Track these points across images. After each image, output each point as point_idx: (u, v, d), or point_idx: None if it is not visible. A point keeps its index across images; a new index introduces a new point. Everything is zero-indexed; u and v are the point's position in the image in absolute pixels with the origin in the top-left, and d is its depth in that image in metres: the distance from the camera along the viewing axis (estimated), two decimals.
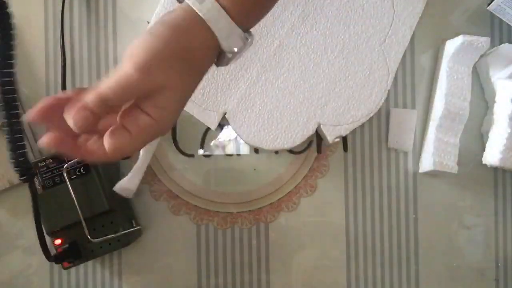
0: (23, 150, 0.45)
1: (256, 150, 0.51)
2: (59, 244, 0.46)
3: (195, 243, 0.51)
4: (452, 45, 0.49)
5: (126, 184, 0.47)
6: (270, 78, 0.49)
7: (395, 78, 0.50)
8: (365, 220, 0.51)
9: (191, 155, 0.51)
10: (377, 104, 0.49)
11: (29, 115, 0.31)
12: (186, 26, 0.31)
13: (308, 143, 0.51)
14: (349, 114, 0.49)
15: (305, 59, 0.49)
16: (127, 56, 0.30)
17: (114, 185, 0.48)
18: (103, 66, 0.51)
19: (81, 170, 0.45)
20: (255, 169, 0.51)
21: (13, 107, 0.44)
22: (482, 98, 0.51)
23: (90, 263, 0.50)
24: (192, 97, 0.34)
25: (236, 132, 0.49)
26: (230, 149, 0.51)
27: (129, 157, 0.49)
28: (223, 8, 0.31)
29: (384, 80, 0.49)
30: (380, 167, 0.51)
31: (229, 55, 0.33)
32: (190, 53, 0.31)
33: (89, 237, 0.44)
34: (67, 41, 0.50)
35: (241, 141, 0.50)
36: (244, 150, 0.51)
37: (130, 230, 0.47)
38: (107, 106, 0.30)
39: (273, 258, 0.51)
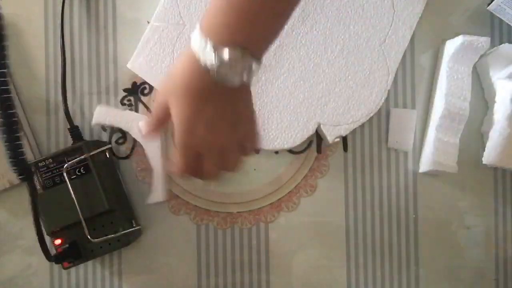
0: (20, 150, 0.45)
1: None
2: (59, 244, 0.46)
3: (195, 243, 0.51)
4: (452, 45, 0.49)
5: (155, 199, 0.49)
6: (270, 78, 0.49)
7: (395, 78, 0.50)
8: (365, 220, 0.51)
9: None
10: (377, 104, 0.49)
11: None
12: (184, 53, 0.36)
13: (308, 143, 0.51)
14: (349, 114, 0.49)
15: (305, 59, 0.49)
16: None
17: (114, 185, 0.48)
18: (103, 66, 0.51)
19: (81, 170, 0.45)
20: (255, 169, 0.51)
21: (8, 107, 0.44)
22: (482, 98, 0.51)
23: (90, 263, 0.50)
24: None
25: None
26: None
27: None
28: (201, 30, 0.34)
29: (384, 80, 0.49)
30: (380, 167, 0.51)
31: (212, 71, 0.34)
32: (175, 77, 0.37)
33: (89, 237, 0.44)
34: (67, 41, 0.50)
35: None
36: None
37: (130, 230, 0.47)
38: None
39: (273, 258, 0.51)
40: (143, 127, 0.42)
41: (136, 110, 0.51)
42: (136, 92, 0.51)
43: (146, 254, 0.50)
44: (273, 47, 0.49)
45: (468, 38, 0.48)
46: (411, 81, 0.51)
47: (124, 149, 0.51)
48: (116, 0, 0.51)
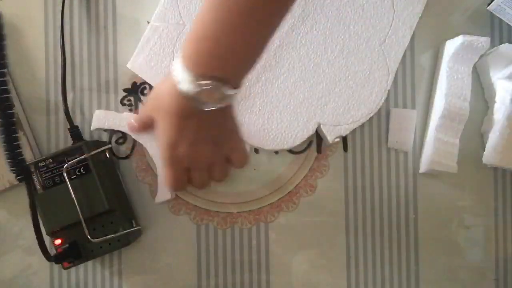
0: (18, 150, 0.45)
1: (256, 150, 0.51)
2: (59, 244, 0.46)
3: (195, 243, 0.51)
4: (452, 45, 0.49)
5: (161, 198, 0.49)
6: (270, 78, 0.49)
7: (395, 78, 0.50)
8: (365, 220, 0.51)
9: None
10: (377, 104, 0.49)
11: None
12: (168, 74, 0.39)
13: (308, 143, 0.51)
14: (349, 114, 0.49)
15: (305, 59, 0.49)
16: None
17: (114, 185, 0.48)
18: (103, 66, 0.51)
19: (81, 170, 0.45)
20: (255, 169, 0.51)
21: (7, 107, 0.44)
22: (482, 98, 0.51)
23: (90, 263, 0.50)
24: None
25: None
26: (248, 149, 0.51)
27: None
28: (181, 61, 0.37)
29: (384, 80, 0.49)
30: (380, 167, 0.51)
31: (191, 98, 0.37)
32: (160, 97, 0.41)
33: (89, 237, 0.44)
34: (67, 41, 0.50)
35: None
36: None
37: (130, 230, 0.47)
38: None
39: (273, 258, 0.51)
40: (129, 124, 0.45)
41: (136, 110, 0.51)
42: (136, 92, 0.51)
43: (146, 254, 0.50)
44: (273, 47, 0.49)
45: (468, 38, 0.48)
46: (411, 81, 0.51)
47: (124, 149, 0.51)
48: (116, 0, 0.51)
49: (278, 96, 0.49)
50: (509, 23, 0.50)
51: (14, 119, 0.45)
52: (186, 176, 0.44)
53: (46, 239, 0.46)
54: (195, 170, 0.44)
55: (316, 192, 0.51)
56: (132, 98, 0.51)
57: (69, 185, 0.44)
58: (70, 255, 0.45)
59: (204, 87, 0.36)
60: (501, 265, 0.51)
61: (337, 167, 0.51)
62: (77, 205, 0.44)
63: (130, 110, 0.51)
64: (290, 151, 0.51)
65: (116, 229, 0.46)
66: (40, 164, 0.46)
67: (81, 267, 0.50)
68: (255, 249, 0.51)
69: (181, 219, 0.51)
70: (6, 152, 0.44)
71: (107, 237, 0.45)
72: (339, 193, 0.51)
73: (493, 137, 0.48)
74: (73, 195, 0.44)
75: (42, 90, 0.51)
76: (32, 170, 0.45)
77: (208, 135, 0.42)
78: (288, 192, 0.51)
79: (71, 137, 0.48)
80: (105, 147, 0.47)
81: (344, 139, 0.51)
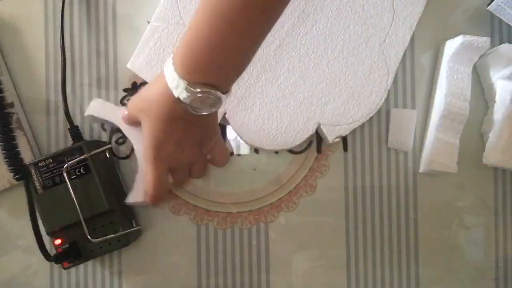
0: (16, 149, 0.45)
1: (256, 150, 0.51)
2: (59, 244, 0.45)
3: (195, 243, 0.51)
4: (452, 45, 0.49)
5: (134, 198, 0.46)
6: (270, 78, 0.49)
7: (395, 78, 0.50)
8: (365, 220, 0.51)
9: None
10: (377, 104, 0.49)
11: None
12: (159, 76, 0.40)
13: (308, 143, 0.51)
14: (349, 114, 0.49)
15: (305, 59, 0.49)
16: None
17: (114, 185, 0.48)
18: (103, 66, 0.51)
19: (81, 170, 0.45)
20: (255, 169, 0.51)
21: (2, 106, 0.44)
22: (482, 98, 0.51)
23: (90, 263, 0.50)
24: None
25: (236, 132, 0.49)
26: (230, 149, 0.51)
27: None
28: (174, 67, 0.37)
29: (384, 80, 0.49)
30: (380, 167, 0.51)
31: (184, 104, 0.38)
32: (149, 99, 0.41)
33: (89, 237, 0.44)
34: (67, 41, 0.50)
35: (241, 141, 0.50)
36: (244, 150, 0.51)
37: (130, 230, 0.47)
38: None
39: (273, 258, 0.51)
40: (123, 116, 0.46)
41: None
42: (136, 92, 0.51)
43: (146, 254, 0.50)
44: (273, 47, 0.49)
45: (468, 38, 0.48)
46: (411, 81, 0.51)
47: (124, 149, 0.51)
48: (116, 0, 0.51)
49: (278, 96, 0.49)
50: (509, 23, 0.50)
51: (11, 118, 0.45)
52: (168, 177, 0.45)
53: (46, 239, 0.46)
54: (177, 169, 0.45)
55: (316, 192, 0.51)
56: None
57: (69, 185, 0.44)
58: (70, 255, 0.45)
59: (199, 94, 0.37)
60: (501, 265, 0.51)
61: (337, 167, 0.51)
62: (77, 205, 0.44)
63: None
64: (290, 151, 0.51)
65: (116, 229, 0.46)
66: (40, 164, 0.46)
67: (81, 267, 0.50)
68: (255, 249, 0.51)
69: (181, 219, 0.51)
70: (4, 152, 0.44)
71: (107, 237, 0.45)
72: (339, 193, 0.51)
73: (493, 137, 0.48)
74: (73, 195, 0.44)
75: (42, 90, 0.51)
76: (32, 170, 0.45)
77: (193, 137, 0.43)
78: (288, 192, 0.51)
79: (71, 137, 0.48)
80: (105, 147, 0.47)
81: (344, 139, 0.51)
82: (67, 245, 0.45)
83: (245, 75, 0.48)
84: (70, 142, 0.48)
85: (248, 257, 0.51)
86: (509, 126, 0.47)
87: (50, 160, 0.46)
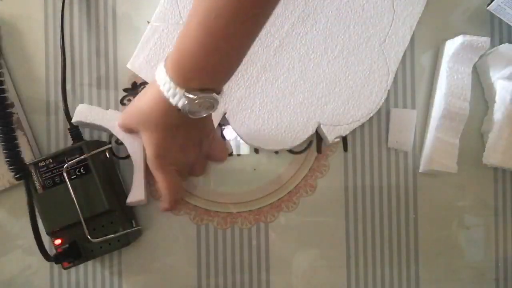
0: (17, 149, 0.45)
1: (256, 150, 0.51)
2: (59, 244, 0.45)
3: (195, 243, 0.51)
4: (452, 45, 0.49)
5: (134, 198, 0.47)
6: (270, 78, 0.49)
7: (395, 78, 0.50)
8: (365, 220, 0.51)
9: None
10: (377, 104, 0.49)
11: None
12: (151, 86, 0.41)
13: (308, 143, 0.51)
14: (349, 114, 0.49)
15: (305, 59, 0.49)
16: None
17: (114, 185, 0.48)
18: (103, 66, 0.51)
19: (81, 170, 0.45)
20: (255, 169, 0.51)
21: (4, 106, 0.44)
22: (482, 98, 0.51)
23: (90, 263, 0.50)
24: None
25: (236, 132, 0.49)
26: (230, 149, 0.51)
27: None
28: (169, 76, 0.37)
29: (384, 80, 0.49)
30: (380, 167, 0.51)
31: (183, 110, 0.38)
32: (145, 110, 0.41)
33: (89, 237, 0.44)
34: (67, 41, 0.50)
35: (241, 141, 0.50)
36: (244, 150, 0.51)
37: (130, 230, 0.47)
38: None
39: (273, 258, 0.51)
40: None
41: None
42: (136, 92, 0.51)
43: (146, 254, 0.50)
44: (273, 47, 0.49)
45: (468, 38, 0.48)
46: (411, 81, 0.51)
47: (124, 149, 0.51)
48: (116, 0, 0.51)
49: (278, 96, 0.49)
50: (509, 23, 0.50)
51: (12, 118, 0.45)
52: (178, 178, 0.46)
53: (46, 239, 0.46)
54: (179, 170, 0.46)
55: (316, 192, 0.51)
56: (132, 98, 0.51)
57: (69, 185, 0.44)
58: (70, 255, 0.45)
59: (197, 101, 0.37)
60: (501, 265, 0.51)
61: (337, 167, 0.51)
62: (77, 205, 0.44)
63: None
64: (290, 151, 0.51)
65: (116, 229, 0.46)
66: (40, 164, 0.45)
67: (81, 267, 0.50)
68: (255, 249, 0.51)
69: (181, 219, 0.51)
70: (5, 151, 0.44)
71: (107, 237, 0.45)
72: (339, 193, 0.51)
73: (493, 137, 0.48)
74: (73, 195, 0.44)
75: (42, 90, 0.51)
76: (32, 170, 0.45)
77: (193, 138, 0.44)
78: (288, 192, 0.51)
79: (71, 137, 0.48)
80: (105, 147, 0.47)
81: (344, 139, 0.51)
82: (67, 245, 0.45)
83: (245, 75, 0.48)
84: (70, 142, 0.48)
85: (248, 257, 0.51)
86: (509, 126, 0.47)
87: (50, 160, 0.46)
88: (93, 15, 0.51)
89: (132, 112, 0.44)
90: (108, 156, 0.48)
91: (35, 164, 0.46)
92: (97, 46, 0.51)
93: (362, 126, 0.50)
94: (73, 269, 0.50)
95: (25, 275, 0.50)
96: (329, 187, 0.51)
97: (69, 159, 0.45)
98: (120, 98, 0.51)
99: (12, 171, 0.45)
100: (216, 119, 0.48)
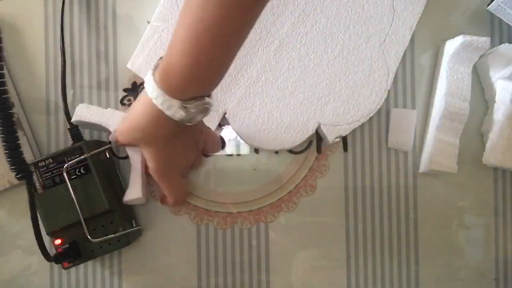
0: (19, 149, 0.45)
1: (256, 150, 0.51)
2: (59, 244, 0.45)
3: (195, 243, 0.51)
4: (452, 45, 0.49)
5: (131, 196, 0.46)
6: (270, 78, 0.49)
7: (395, 78, 0.50)
8: (365, 220, 0.51)
9: None
10: (377, 104, 0.49)
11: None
12: (141, 101, 0.41)
13: (308, 143, 0.51)
14: (349, 114, 0.49)
15: (305, 59, 0.49)
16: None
17: (114, 185, 0.48)
18: (103, 66, 0.51)
19: (81, 170, 0.45)
20: (255, 169, 0.51)
21: (5, 107, 0.44)
22: (482, 98, 0.51)
23: (90, 263, 0.50)
24: None
25: (236, 132, 0.49)
26: (230, 149, 0.51)
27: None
28: (161, 89, 0.37)
29: (384, 80, 0.49)
30: (380, 167, 0.51)
31: (180, 120, 0.39)
32: (141, 126, 0.41)
33: (89, 237, 0.44)
34: (67, 41, 0.50)
35: (241, 141, 0.50)
36: (244, 150, 0.51)
37: (130, 230, 0.47)
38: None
39: (273, 258, 0.51)
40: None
41: None
42: (136, 92, 0.51)
43: (146, 254, 0.50)
44: (273, 47, 0.49)
45: (468, 38, 0.48)
46: (411, 81, 0.51)
47: (124, 149, 0.51)
48: (116, 0, 0.51)
49: (278, 96, 0.49)
50: (509, 23, 0.50)
51: (14, 118, 0.45)
52: (182, 180, 0.47)
53: (46, 239, 0.46)
54: (181, 172, 0.47)
55: (316, 192, 0.51)
56: (132, 98, 0.51)
57: (69, 185, 0.44)
58: (70, 255, 0.45)
59: (193, 109, 0.38)
60: (501, 265, 0.51)
61: (337, 167, 0.51)
62: (77, 205, 0.44)
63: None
64: (290, 151, 0.51)
65: (116, 229, 0.46)
66: (40, 164, 0.45)
67: (81, 267, 0.50)
68: (255, 249, 0.51)
69: (181, 219, 0.51)
70: (6, 151, 0.44)
71: (107, 237, 0.45)
72: (339, 193, 0.51)
73: (493, 137, 0.48)
74: (73, 195, 0.44)
75: (42, 90, 0.51)
76: (32, 170, 0.45)
77: (191, 142, 0.45)
78: (288, 192, 0.51)
79: (71, 137, 0.48)
80: (105, 147, 0.47)
81: (344, 139, 0.51)
82: (67, 245, 0.45)
83: (245, 75, 0.48)
84: (70, 142, 0.48)
85: (248, 257, 0.51)
86: (509, 126, 0.47)
87: (50, 160, 0.46)
88: (93, 15, 0.51)
89: (127, 129, 0.43)
90: (108, 156, 0.48)
91: (35, 164, 0.46)
92: (97, 46, 0.51)
93: (362, 126, 0.50)
94: (73, 269, 0.50)
95: (25, 275, 0.50)
96: (329, 187, 0.51)
97: (69, 159, 0.45)
98: (120, 98, 0.51)
99: (14, 171, 0.45)
100: (216, 119, 0.48)
